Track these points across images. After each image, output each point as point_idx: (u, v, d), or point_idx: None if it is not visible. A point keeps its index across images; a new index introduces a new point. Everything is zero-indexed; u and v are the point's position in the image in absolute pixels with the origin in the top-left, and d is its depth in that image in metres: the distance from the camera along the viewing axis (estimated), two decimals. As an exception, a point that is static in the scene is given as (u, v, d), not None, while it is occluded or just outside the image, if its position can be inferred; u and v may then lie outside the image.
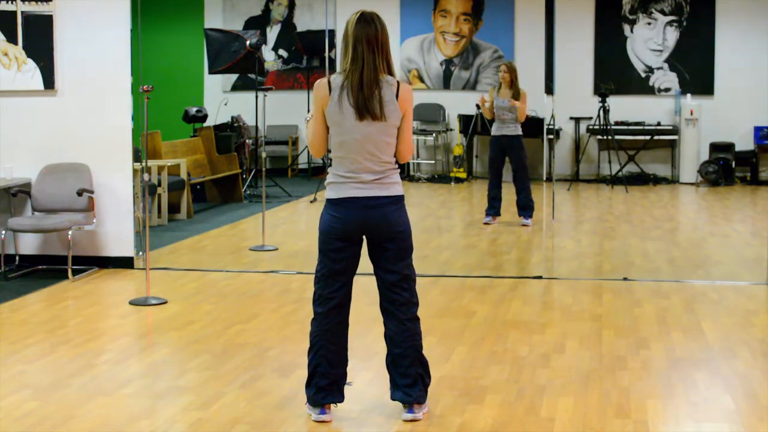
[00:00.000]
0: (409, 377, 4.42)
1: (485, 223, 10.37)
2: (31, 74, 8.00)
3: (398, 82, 4.33)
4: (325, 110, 4.32)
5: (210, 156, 12.44)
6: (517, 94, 10.20)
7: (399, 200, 4.38)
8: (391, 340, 4.46)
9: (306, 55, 15.37)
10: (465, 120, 14.32)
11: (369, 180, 4.32)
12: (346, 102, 4.27)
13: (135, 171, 8.23)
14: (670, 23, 14.51)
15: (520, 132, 10.34)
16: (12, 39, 8.01)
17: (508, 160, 10.53)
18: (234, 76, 15.28)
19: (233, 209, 11.81)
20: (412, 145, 4.43)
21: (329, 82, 4.31)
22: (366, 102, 4.24)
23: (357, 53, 4.27)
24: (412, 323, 4.43)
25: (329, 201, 4.38)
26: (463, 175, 14.19)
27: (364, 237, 4.41)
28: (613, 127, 14.04)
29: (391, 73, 4.33)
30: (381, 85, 4.27)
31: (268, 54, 15.31)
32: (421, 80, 15.10)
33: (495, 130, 10.43)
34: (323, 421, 4.41)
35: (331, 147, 4.38)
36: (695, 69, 14.44)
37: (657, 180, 14.22)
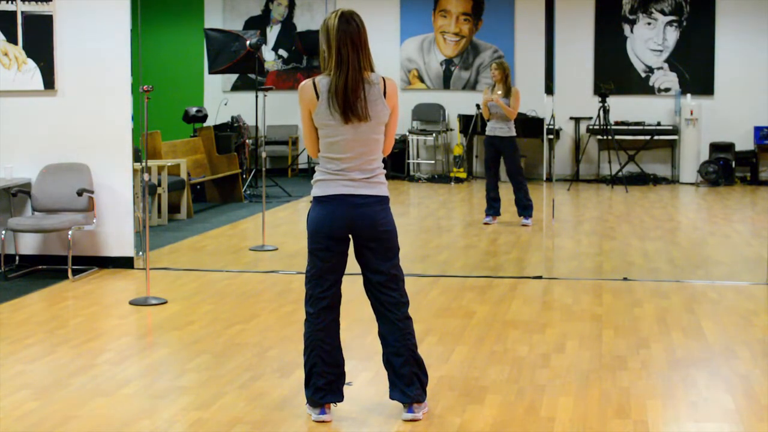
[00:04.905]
0: (404, 377, 4.42)
1: (485, 224, 10.37)
2: (31, 74, 8.00)
3: (383, 79, 4.34)
4: (313, 113, 4.32)
5: (210, 156, 12.44)
6: (507, 93, 10.16)
7: (385, 200, 4.40)
8: (384, 340, 4.47)
9: (306, 55, 15.35)
10: (465, 120, 14.31)
11: (358, 178, 4.32)
12: (333, 105, 4.26)
13: (135, 171, 8.24)
14: (670, 23, 14.51)
15: (513, 133, 10.27)
16: (12, 39, 8.01)
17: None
18: (234, 76, 15.27)
19: (233, 209, 11.81)
20: (394, 139, 4.47)
21: (314, 84, 4.30)
22: (351, 105, 4.24)
23: (342, 57, 4.25)
24: (403, 323, 4.43)
25: (316, 199, 4.37)
26: (463, 175, 14.19)
27: (350, 236, 4.41)
28: (613, 127, 14.04)
29: (372, 69, 4.33)
30: (365, 86, 4.27)
31: (268, 54, 15.31)
32: (421, 80, 15.11)
33: (488, 130, 10.38)
34: (323, 421, 4.41)
35: (320, 146, 4.37)
36: (695, 69, 14.44)
37: (657, 180, 14.22)
